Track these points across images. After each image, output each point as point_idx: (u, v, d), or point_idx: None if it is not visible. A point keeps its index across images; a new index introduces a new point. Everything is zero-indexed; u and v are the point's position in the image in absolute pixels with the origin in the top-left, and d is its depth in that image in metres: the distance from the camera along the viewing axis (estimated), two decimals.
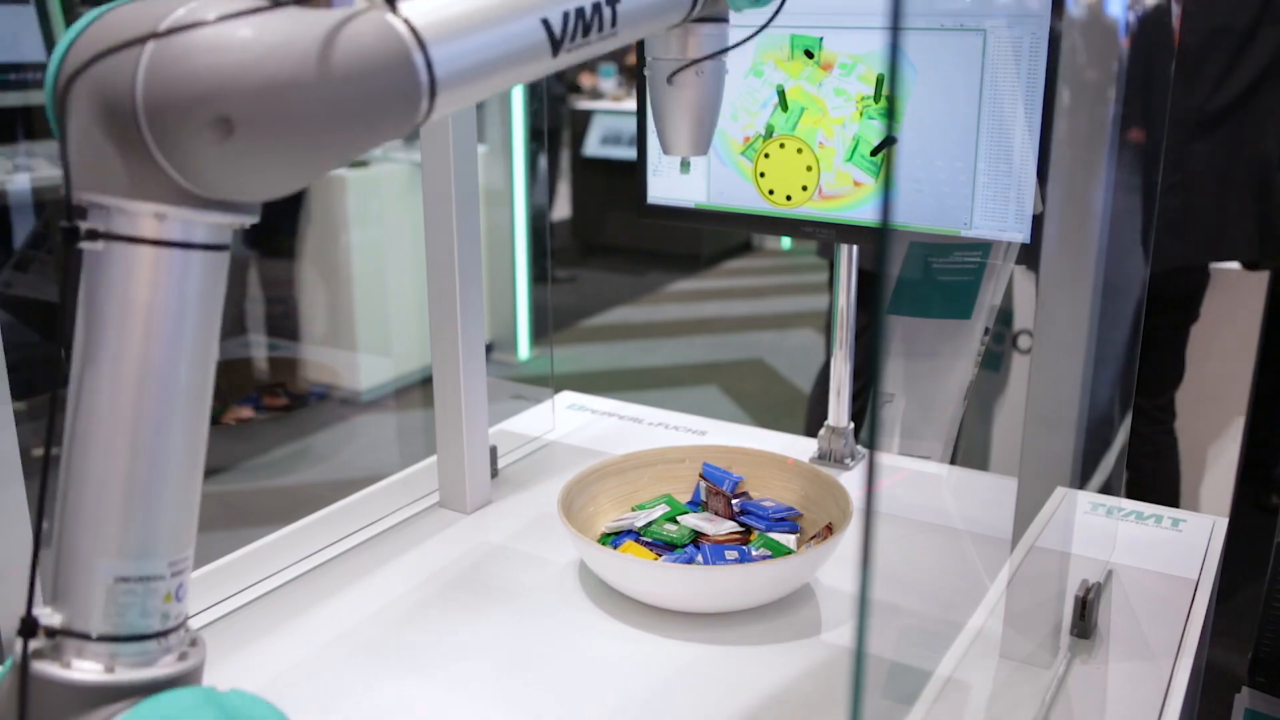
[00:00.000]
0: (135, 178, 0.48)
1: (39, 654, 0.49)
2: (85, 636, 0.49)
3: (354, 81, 0.49)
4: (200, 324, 0.50)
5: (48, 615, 0.49)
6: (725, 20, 0.78)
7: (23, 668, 0.48)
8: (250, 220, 0.52)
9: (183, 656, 0.52)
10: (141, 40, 0.46)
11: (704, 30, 0.77)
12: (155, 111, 0.46)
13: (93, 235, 0.48)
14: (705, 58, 0.77)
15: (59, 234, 0.49)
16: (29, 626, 0.49)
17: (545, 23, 0.59)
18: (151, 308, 0.49)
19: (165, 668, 0.51)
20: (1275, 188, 2.00)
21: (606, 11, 0.62)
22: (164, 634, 0.51)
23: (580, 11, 0.61)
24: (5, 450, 0.71)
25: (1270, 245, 2.04)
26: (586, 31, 0.62)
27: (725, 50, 0.79)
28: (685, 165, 0.84)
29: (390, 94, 0.51)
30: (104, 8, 0.50)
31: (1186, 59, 1.93)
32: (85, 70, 0.47)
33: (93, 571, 0.49)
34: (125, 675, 0.49)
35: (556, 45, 0.60)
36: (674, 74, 0.78)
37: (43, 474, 0.49)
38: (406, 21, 0.52)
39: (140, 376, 0.49)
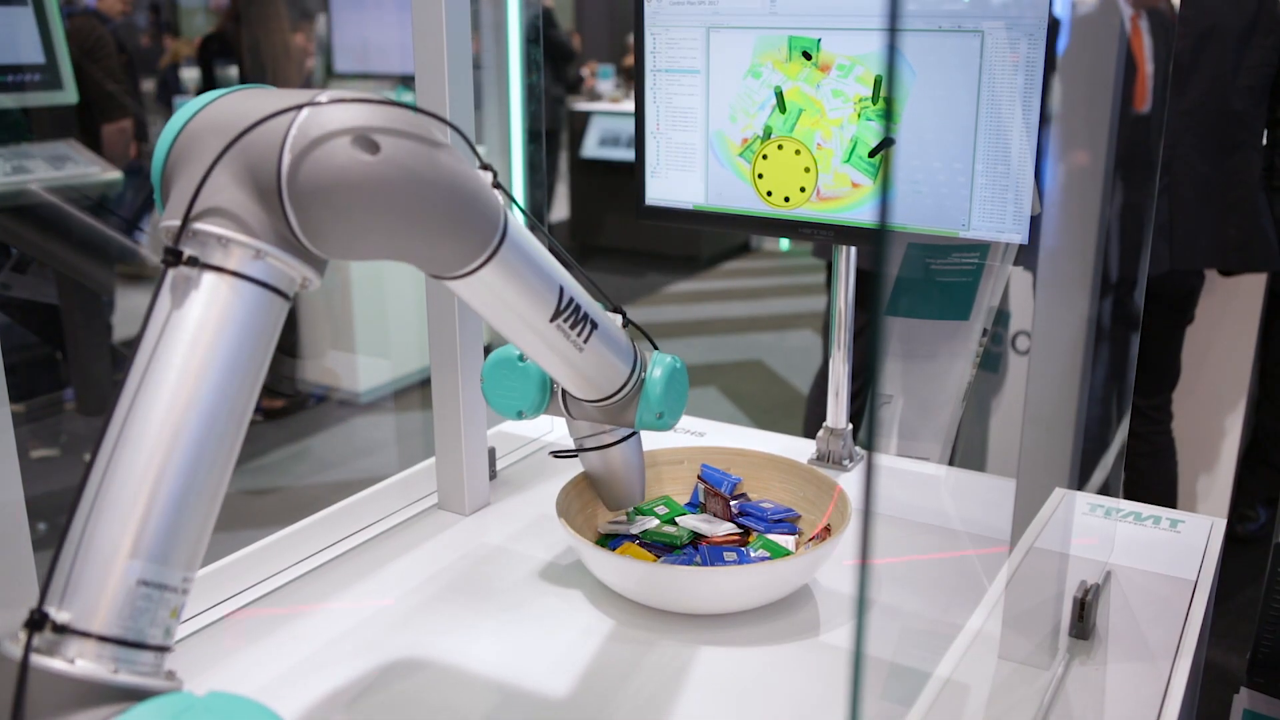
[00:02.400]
0: (252, 217, 0.56)
1: (37, 649, 0.50)
2: (91, 636, 0.50)
3: (470, 188, 0.63)
4: (254, 358, 0.56)
5: (54, 612, 0.50)
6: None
7: (24, 660, 0.48)
8: (315, 281, 0.60)
9: (170, 676, 0.53)
10: (298, 107, 0.57)
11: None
12: (302, 141, 0.56)
13: (193, 261, 0.55)
14: (624, 439, 0.92)
15: (164, 255, 0.55)
16: (38, 620, 0.49)
17: (561, 291, 0.74)
18: (219, 332, 0.55)
19: (159, 681, 0.52)
20: (1254, 196, 2.00)
21: (587, 326, 0.78)
22: (161, 649, 0.53)
23: (578, 308, 0.76)
24: (4, 451, 0.71)
25: (1247, 254, 2.04)
26: (574, 325, 0.76)
27: (634, 433, 0.94)
28: (631, 515, 1.00)
29: (484, 221, 0.65)
30: (222, 91, 0.60)
31: (1178, 61, 1.93)
32: (250, 130, 0.56)
33: (117, 570, 0.51)
34: (126, 679, 0.50)
35: (554, 314, 0.74)
36: (601, 448, 0.92)
37: (85, 472, 0.52)
38: (502, 199, 0.67)
39: (195, 392, 0.54)
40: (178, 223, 0.56)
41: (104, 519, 0.51)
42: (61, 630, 0.50)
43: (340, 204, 0.57)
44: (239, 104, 0.58)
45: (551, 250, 0.76)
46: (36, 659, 0.49)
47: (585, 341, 0.78)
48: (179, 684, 0.53)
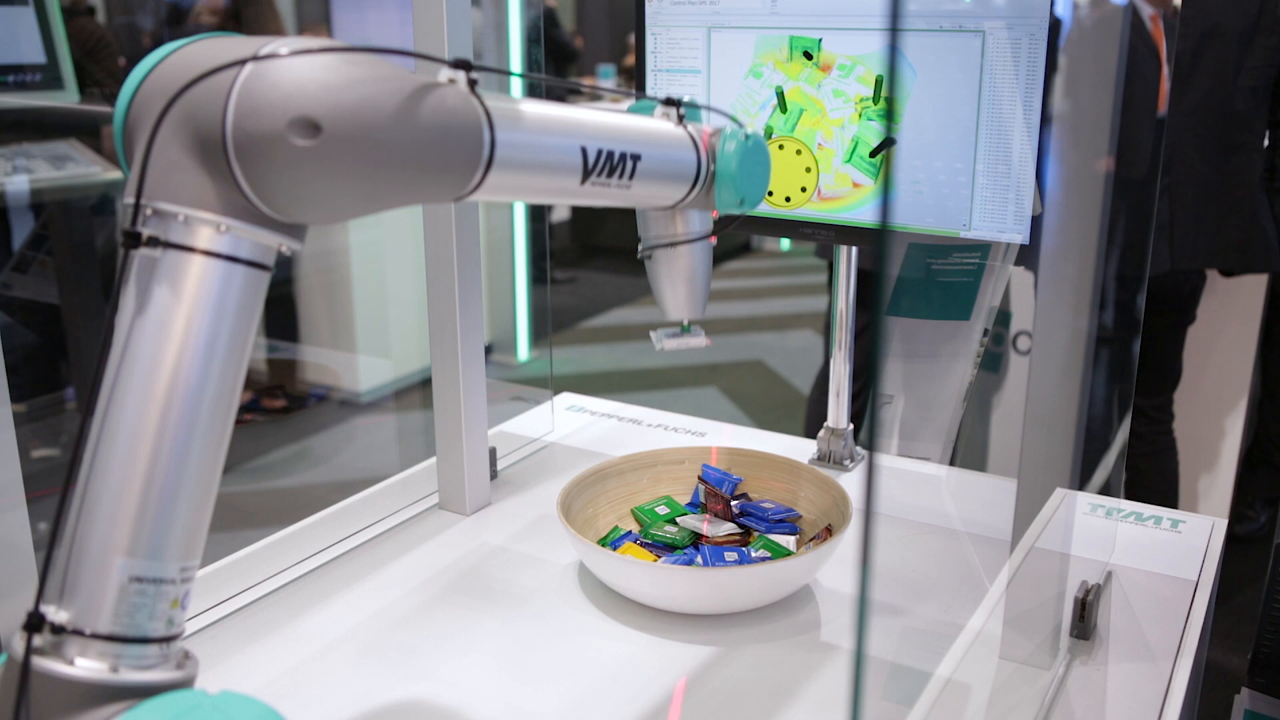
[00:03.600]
0: (207, 189, 0.52)
1: (38, 651, 0.49)
2: (91, 635, 0.50)
3: (433, 128, 0.55)
4: (235, 337, 0.53)
5: (53, 612, 0.50)
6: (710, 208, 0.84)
7: (24, 662, 0.48)
8: (295, 247, 0.55)
9: (179, 665, 0.53)
10: (241, 62, 0.51)
11: (691, 212, 0.85)
12: (244, 115, 0.50)
13: (154, 242, 0.51)
14: (695, 239, 0.87)
15: (122, 238, 0.52)
16: (36, 621, 0.49)
17: (584, 150, 0.67)
18: (192, 315, 0.51)
19: (164, 674, 0.51)
20: (1255, 197, 2.00)
21: (630, 164, 0.71)
22: (166, 640, 0.52)
23: (610, 154, 0.69)
24: (4, 451, 0.71)
25: (1248, 255, 2.04)
26: (611, 173, 0.70)
27: (713, 234, 0.88)
28: (686, 326, 0.92)
29: (459, 152, 0.57)
30: (183, 41, 0.54)
31: (1180, 61, 1.93)
32: (182, 93, 0.51)
33: (107, 569, 0.50)
34: (127, 676, 0.50)
35: (586, 174, 0.68)
36: (663, 248, 0.87)
37: (69, 470, 0.51)
38: (482, 103, 0.59)
39: (173, 380, 0.51)
40: (133, 201, 0.52)
41: (91, 519, 0.50)
42: (60, 631, 0.49)
43: (289, 185, 0.52)
44: (193, 57, 0.53)
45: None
46: (37, 661, 0.48)
47: (631, 178, 0.71)
48: (191, 671, 0.53)
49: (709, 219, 0.86)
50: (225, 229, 0.52)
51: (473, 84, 0.59)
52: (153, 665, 0.51)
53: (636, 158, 0.71)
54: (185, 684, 0.52)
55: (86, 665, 0.49)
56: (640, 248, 0.89)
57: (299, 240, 0.56)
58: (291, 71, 0.51)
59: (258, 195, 0.52)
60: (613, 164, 0.69)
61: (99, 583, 0.50)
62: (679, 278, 0.89)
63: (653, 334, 0.91)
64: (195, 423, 0.52)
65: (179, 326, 0.51)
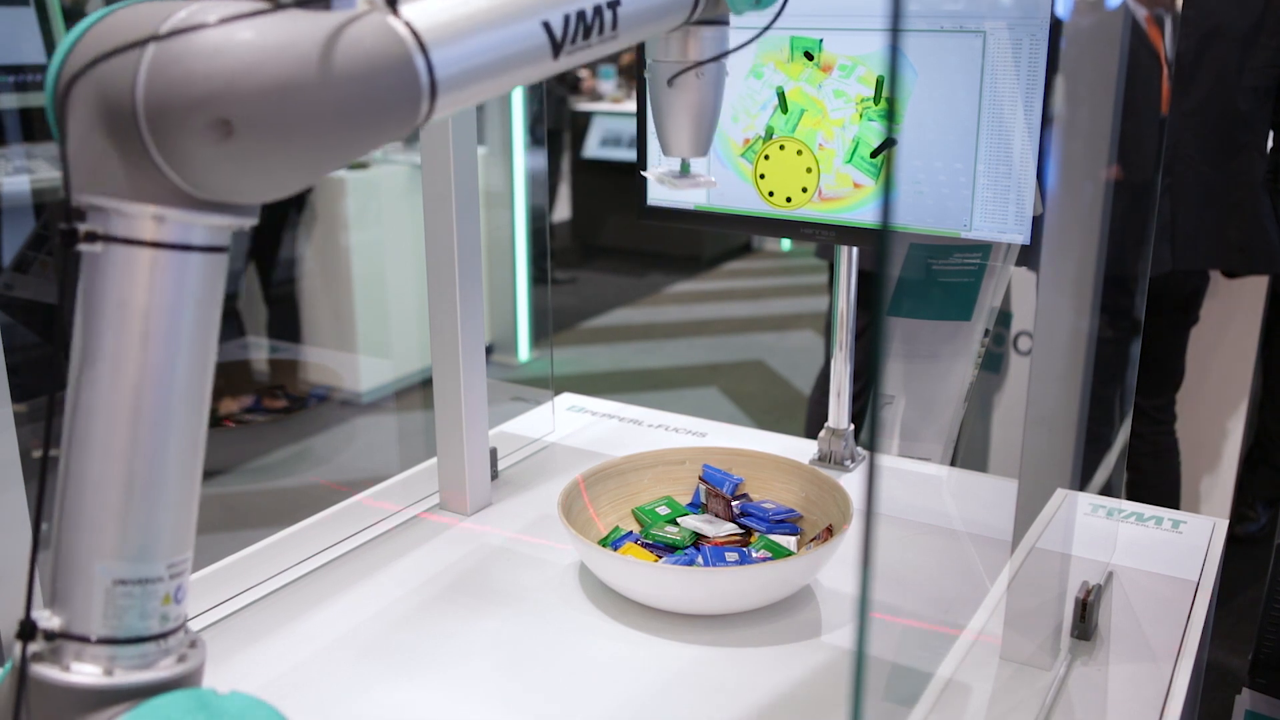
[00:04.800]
0: (135, 180, 0.48)
1: (38, 657, 0.49)
2: (84, 639, 0.49)
3: (355, 83, 0.49)
4: (198, 326, 0.50)
5: (46, 618, 0.49)
6: (725, 23, 0.78)
7: (21, 671, 0.48)
8: (249, 223, 0.52)
9: (182, 659, 0.52)
10: (143, 43, 0.46)
11: (704, 33, 0.77)
12: (155, 114, 0.46)
13: (92, 237, 0.48)
14: (706, 61, 0.77)
15: (58, 236, 0.48)
16: (28, 629, 0.49)
17: (546, 25, 0.59)
18: (149, 309, 0.49)
19: (164, 670, 0.51)
20: (1258, 198, 2.00)
21: (607, 15, 0.63)
22: (163, 636, 0.51)
23: (581, 14, 0.61)
24: (5, 452, 0.71)
25: (1250, 256, 2.03)
26: (587, 34, 0.62)
27: (726, 54, 0.78)
28: (685, 166, 0.83)
29: (391, 96, 0.51)
30: (105, 10, 0.49)
31: (1181, 62, 1.92)
32: (86, 72, 0.47)
33: (90, 574, 0.49)
34: (124, 678, 0.49)
35: (557, 47, 0.60)
36: (674, 76, 0.77)
37: (40, 477, 0.50)
38: (408, 24, 0.52)
39: (138, 378, 0.49)
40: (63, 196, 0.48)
41: (70, 525, 0.49)
42: (53, 637, 0.49)
43: (219, 178, 0.48)
44: (112, 28, 0.48)
45: None
46: (34, 668, 0.48)
47: (615, 27, 0.64)
48: (193, 664, 0.52)
49: (725, 40, 0.76)
50: (165, 219, 0.48)
51: (393, 5, 0.52)
52: (151, 663, 0.50)
53: (614, 4, 0.63)
54: (186, 679, 0.52)
55: (82, 670, 0.49)
56: (646, 63, 0.79)
57: (252, 216, 0.52)
58: (197, 57, 0.46)
59: (191, 185, 0.48)
60: (586, 24, 0.61)
61: (84, 588, 0.49)
62: (685, 109, 0.78)
63: (651, 170, 0.82)
64: (168, 417, 0.50)
65: (136, 322, 0.48)
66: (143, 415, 0.49)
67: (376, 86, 0.50)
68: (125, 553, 0.49)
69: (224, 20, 0.47)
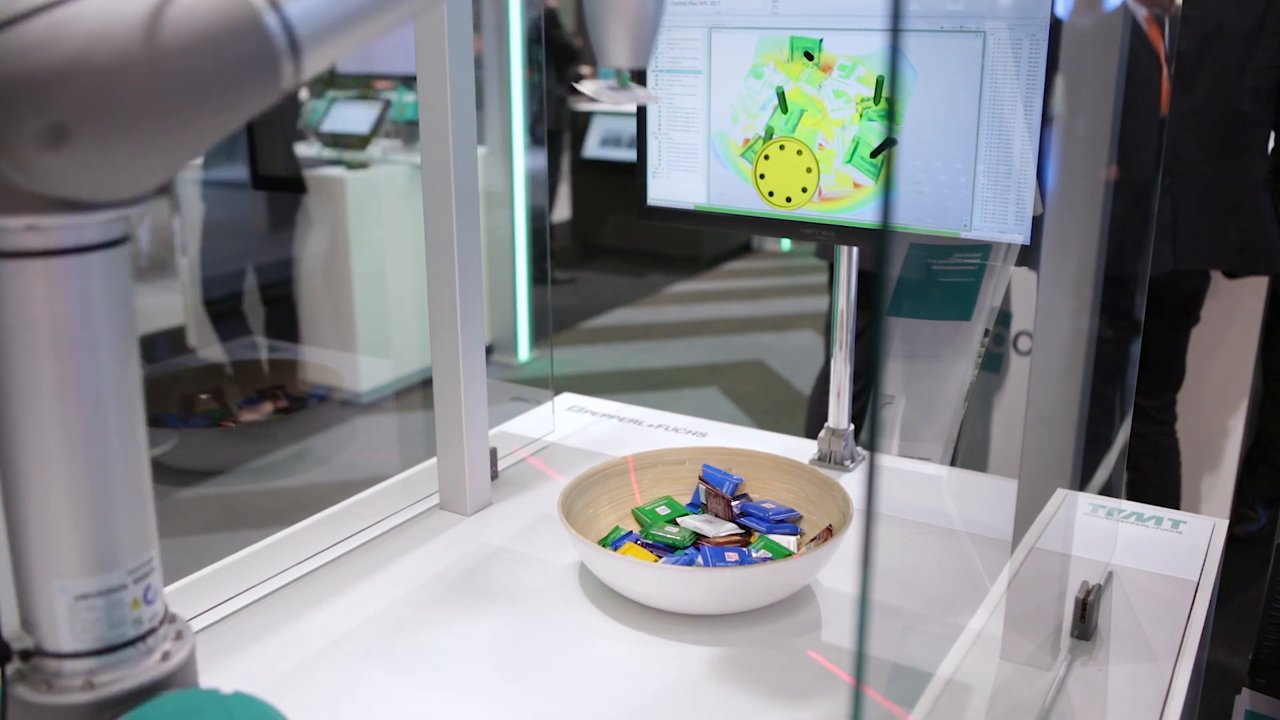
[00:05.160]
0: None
1: (20, 677, 0.48)
2: (58, 656, 0.48)
3: (195, 56, 0.44)
4: (112, 323, 0.47)
5: (19, 639, 0.48)
6: None
7: (2, 694, 0.47)
8: (137, 209, 0.48)
9: (165, 656, 0.51)
10: None
11: None
12: None
13: None
14: None
15: None
16: (2, 652, 0.48)
17: None
18: (55, 320, 0.46)
19: (149, 672, 0.50)
20: (1259, 199, 2.00)
21: None
22: (141, 639, 0.50)
23: None
24: None
25: (1250, 256, 2.04)
26: None
27: None
28: (623, 78, 0.74)
29: (243, 64, 0.46)
30: None
31: (1182, 62, 1.92)
32: None
33: (50, 594, 0.48)
34: (107, 689, 0.48)
35: None
36: None
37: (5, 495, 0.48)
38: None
39: (60, 389, 0.46)
40: None
41: (22, 547, 0.48)
42: (29, 656, 0.48)
43: (74, 184, 0.44)
44: None
45: None
46: (17, 689, 0.47)
47: None
48: (178, 660, 0.51)
49: None
50: (40, 227, 0.45)
51: None
52: (134, 667, 0.50)
53: None
54: (173, 675, 0.51)
55: (63, 686, 0.48)
56: None
57: (138, 202, 0.48)
58: (19, 54, 0.41)
59: (50, 192, 0.44)
60: None
61: (47, 607, 0.48)
62: (619, 13, 0.70)
63: (587, 84, 0.73)
64: (99, 428, 0.47)
65: (45, 336, 0.45)
66: (72, 429, 0.47)
67: (223, 57, 0.45)
68: (81, 569, 0.48)
69: (39, 9, 0.42)
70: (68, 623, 0.48)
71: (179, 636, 0.52)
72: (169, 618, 0.52)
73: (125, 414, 0.48)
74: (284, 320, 3.50)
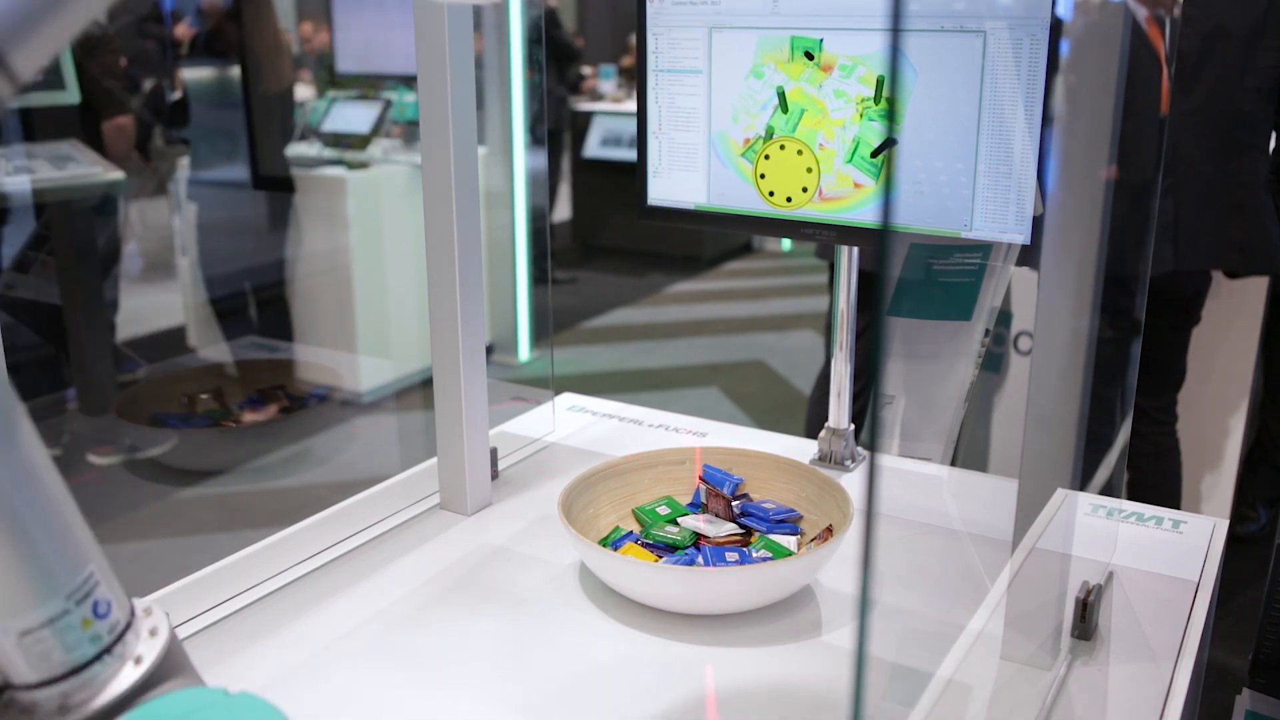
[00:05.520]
0: None
1: (4, 709, 0.48)
2: (27, 687, 0.47)
3: None
4: None
5: None
6: None
7: None
8: None
9: (138, 660, 0.50)
10: None
11: None
12: None
13: None
14: None
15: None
16: None
17: None
18: None
19: (126, 679, 0.49)
20: (1260, 199, 2.00)
21: None
22: (106, 651, 0.49)
23: None
24: None
25: (1251, 256, 2.04)
26: None
27: None
28: None
29: None
30: None
31: (1183, 62, 1.92)
32: None
33: None
34: (84, 710, 0.48)
35: None
36: None
37: None
38: None
39: None
40: None
41: None
42: (1, 691, 0.48)
43: None
44: None
45: None
46: None
47: None
48: (156, 655, 0.50)
49: None
50: None
51: None
52: (107, 679, 0.49)
53: None
54: (152, 677, 0.50)
55: (41, 713, 0.47)
56: None
57: None
58: None
59: None
60: None
61: None
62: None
63: None
64: None
65: None
66: None
67: None
68: (12, 609, 0.46)
69: None
70: (22, 658, 0.47)
71: (153, 634, 0.51)
72: (135, 620, 0.50)
73: (8, 436, 0.45)
74: (283, 320, 3.50)
